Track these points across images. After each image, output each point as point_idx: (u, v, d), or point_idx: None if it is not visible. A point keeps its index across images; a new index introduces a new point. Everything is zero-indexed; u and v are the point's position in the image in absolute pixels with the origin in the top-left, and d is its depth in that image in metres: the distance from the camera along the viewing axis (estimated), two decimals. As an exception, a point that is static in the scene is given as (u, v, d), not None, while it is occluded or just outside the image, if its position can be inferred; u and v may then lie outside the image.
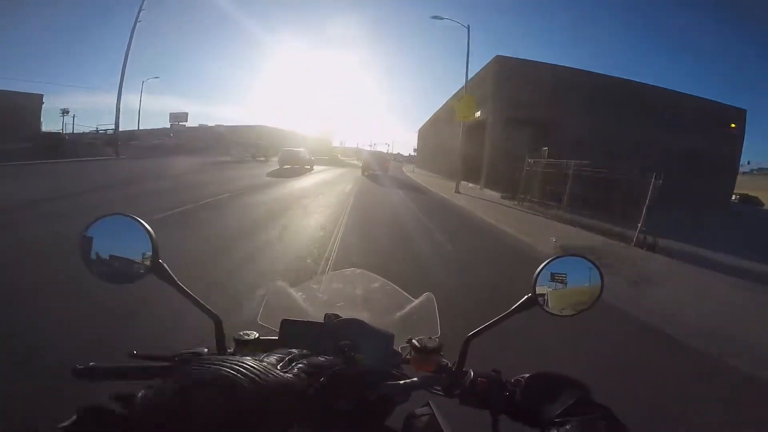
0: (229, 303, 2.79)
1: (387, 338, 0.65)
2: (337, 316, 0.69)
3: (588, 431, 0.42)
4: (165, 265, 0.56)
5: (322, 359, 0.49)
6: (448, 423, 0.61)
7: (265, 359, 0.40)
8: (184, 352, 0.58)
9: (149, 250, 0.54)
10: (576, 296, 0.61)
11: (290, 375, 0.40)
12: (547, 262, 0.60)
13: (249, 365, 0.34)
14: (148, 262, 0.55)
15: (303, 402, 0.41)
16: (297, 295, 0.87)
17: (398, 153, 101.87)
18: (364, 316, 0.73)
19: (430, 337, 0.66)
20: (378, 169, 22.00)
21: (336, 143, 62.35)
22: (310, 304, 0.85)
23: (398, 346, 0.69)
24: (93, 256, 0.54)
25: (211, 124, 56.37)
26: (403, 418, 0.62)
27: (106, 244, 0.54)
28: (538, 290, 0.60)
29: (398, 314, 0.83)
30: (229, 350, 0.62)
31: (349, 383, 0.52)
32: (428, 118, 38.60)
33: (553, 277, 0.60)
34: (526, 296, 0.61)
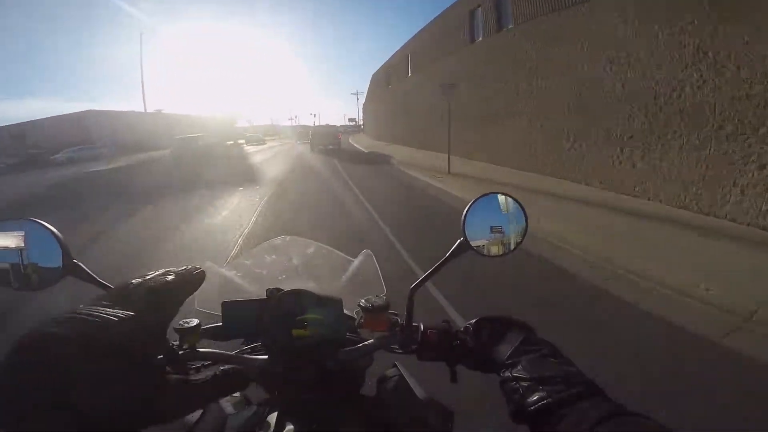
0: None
1: (335, 303, 0.59)
2: (279, 289, 0.62)
3: (537, 367, 0.45)
4: (81, 264, 0.51)
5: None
6: (416, 380, 0.61)
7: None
8: None
9: (59, 252, 0.50)
10: (502, 234, 0.60)
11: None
12: (472, 203, 0.59)
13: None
14: (61, 265, 0.50)
15: (271, 381, 0.57)
16: (231, 273, 0.81)
17: (327, 124, 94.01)
18: (307, 285, 0.69)
19: (377, 296, 0.65)
20: (329, 143, 20.10)
21: (245, 123, 51.61)
22: (249, 281, 0.79)
23: (350, 311, 0.67)
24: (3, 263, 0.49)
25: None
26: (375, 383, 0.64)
27: (14, 251, 0.49)
28: (468, 233, 0.59)
29: (341, 278, 0.80)
30: (173, 342, 0.54)
31: (306, 355, 0.55)
32: (374, 72, 29.19)
33: (480, 221, 0.60)
34: (457, 241, 0.59)
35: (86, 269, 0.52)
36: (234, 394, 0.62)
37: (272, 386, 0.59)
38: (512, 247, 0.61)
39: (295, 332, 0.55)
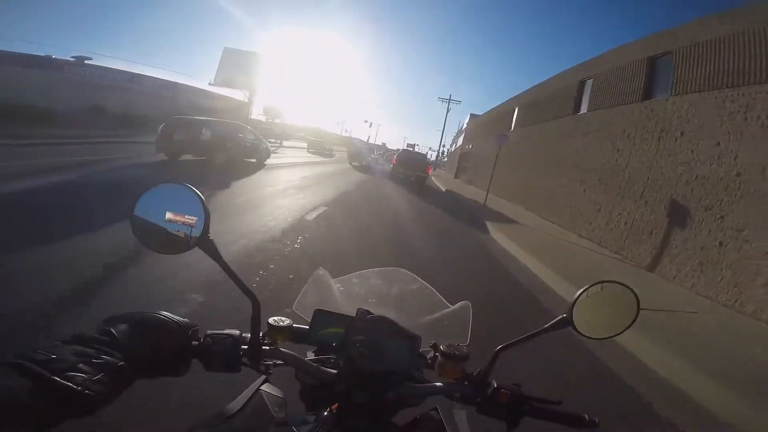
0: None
1: (413, 340, 0.63)
2: (368, 312, 0.68)
3: None
4: (213, 240, 0.53)
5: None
6: (455, 429, 0.64)
7: None
8: (216, 333, 0.58)
9: (201, 223, 0.52)
10: (610, 320, 0.62)
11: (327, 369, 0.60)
12: (587, 287, 0.60)
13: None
14: (197, 236, 0.52)
15: (328, 391, 0.59)
16: (335, 286, 0.85)
17: (384, 144, 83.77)
18: (394, 315, 0.70)
19: (458, 345, 0.66)
20: (414, 174, 15.49)
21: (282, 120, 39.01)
22: (346, 297, 0.83)
23: (424, 349, 0.68)
24: (144, 222, 0.53)
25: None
26: (408, 418, 0.64)
27: (160, 212, 0.53)
28: (575, 312, 0.60)
29: (429, 317, 0.81)
30: (261, 334, 0.60)
31: (372, 380, 0.57)
32: (485, 112, 26.62)
33: (589, 301, 0.61)
34: (561, 316, 0.61)
35: (216, 247, 0.53)
36: (277, 394, 0.67)
37: (322, 399, 0.61)
38: (616, 332, 0.62)
39: (370, 356, 0.58)
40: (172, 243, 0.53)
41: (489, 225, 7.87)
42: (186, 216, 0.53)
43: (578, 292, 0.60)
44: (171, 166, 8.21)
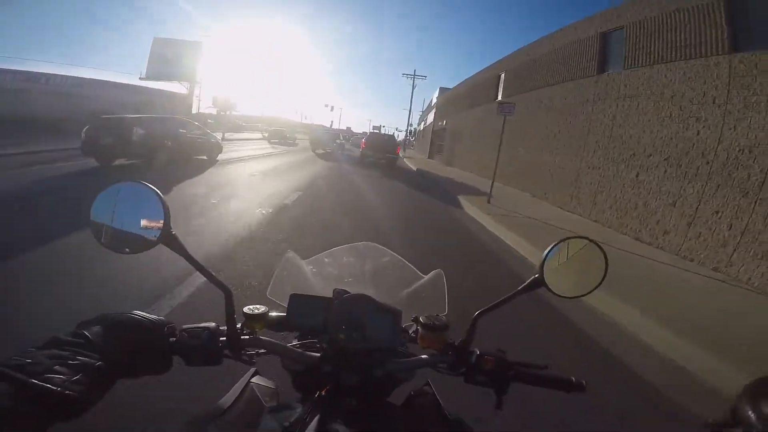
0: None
1: (395, 315, 0.63)
2: (345, 291, 0.68)
3: None
4: (177, 235, 0.53)
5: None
6: (448, 400, 0.64)
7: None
8: (192, 327, 0.57)
9: (161, 219, 0.52)
10: (580, 278, 0.62)
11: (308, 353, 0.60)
12: (554, 245, 0.60)
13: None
14: (159, 232, 0.52)
15: (318, 377, 0.58)
16: (307, 268, 0.86)
17: (348, 128, 79.53)
18: (372, 291, 0.71)
19: (437, 315, 0.66)
20: (383, 157, 15.61)
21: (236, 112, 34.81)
22: (320, 278, 0.84)
23: (405, 323, 0.68)
24: (103, 223, 0.52)
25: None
26: (404, 396, 0.67)
27: (118, 212, 0.53)
28: (547, 272, 0.60)
29: (406, 291, 0.83)
30: (238, 325, 0.60)
31: (357, 359, 0.58)
32: (455, 85, 23.95)
33: (558, 259, 0.61)
34: (533, 276, 0.61)
35: (180, 242, 0.52)
36: (268, 385, 0.67)
37: (312, 384, 0.61)
38: (588, 290, 0.61)
39: (352, 336, 0.58)
40: (135, 242, 0.52)
41: (516, 239, 5.37)
42: (145, 213, 0.52)
43: (545, 251, 0.60)
44: (99, 175, 6.79)
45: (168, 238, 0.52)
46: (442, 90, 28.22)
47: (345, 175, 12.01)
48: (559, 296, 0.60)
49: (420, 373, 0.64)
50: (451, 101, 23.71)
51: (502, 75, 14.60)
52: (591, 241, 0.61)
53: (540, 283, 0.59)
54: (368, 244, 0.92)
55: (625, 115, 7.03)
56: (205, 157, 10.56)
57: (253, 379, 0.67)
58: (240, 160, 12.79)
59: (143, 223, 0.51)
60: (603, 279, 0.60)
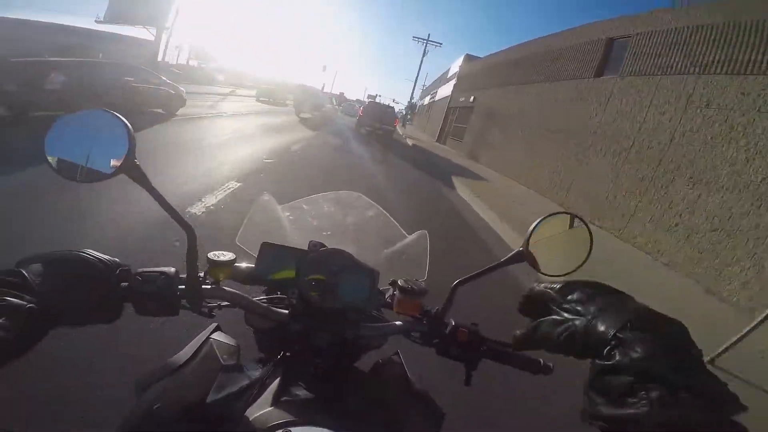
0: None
1: (372, 276, 0.59)
2: (322, 245, 0.61)
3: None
4: (140, 165, 0.48)
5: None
6: (415, 372, 0.62)
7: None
8: (148, 271, 0.51)
9: (125, 148, 0.46)
10: (565, 254, 0.58)
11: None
12: (540, 220, 0.57)
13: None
14: (121, 161, 0.46)
15: (287, 334, 0.54)
16: (284, 215, 0.79)
17: (342, 93, 68.61)
18: (351, 248, 0.64)
19: (416, 280, 0.63)
20: (380, 128, 15.15)
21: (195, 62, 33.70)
22: (297, 227, 0.78)
23: (382, 286, 0.65)
24: (59, 152, 0.46)
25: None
26: (371, 363, 0.64)
27: (78, 141, 0.47)
28: (531, 247, 0.56)
29: (387, 251, 0.79)
30: (200, 273, 0.53)
31: (329, 319, 0.54)
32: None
33: (544, 236, 0.58)
34: (516, 250, 0.57)
35: (143, 172, 0.47)
36: (229, 342, 0.59)
37: (277, 344, 0.58)
38: (572, 268, 0.56)
39: (325, 294, 0.54)
40: (93, 171, 0.47)
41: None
42: (107, 142, 0.46)
43: (532, 226, 0.57)
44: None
45: (130, 168, 0.46)
46: (470, 58, 22.42)
47: (328, 154, 9.21)
48: (541, 273, 0.56)
49: (391, 341, 0.63)
50: (486, 72, 17.56)
51: (619, 40, 8.27)
52: (577, 217, 0.59)
53: (522, 256, 0.56)
54: (353, 193, 0.88)
55: None
56: (161, 111, 8.97)
57: (213, 335, 0.59)
58: (203, 117, 10.61)
59: (107, 151, 0.46)
60: (588, 254, 0.56)
